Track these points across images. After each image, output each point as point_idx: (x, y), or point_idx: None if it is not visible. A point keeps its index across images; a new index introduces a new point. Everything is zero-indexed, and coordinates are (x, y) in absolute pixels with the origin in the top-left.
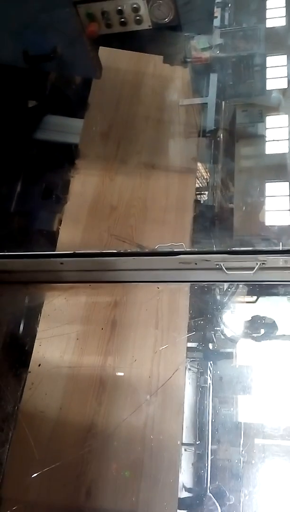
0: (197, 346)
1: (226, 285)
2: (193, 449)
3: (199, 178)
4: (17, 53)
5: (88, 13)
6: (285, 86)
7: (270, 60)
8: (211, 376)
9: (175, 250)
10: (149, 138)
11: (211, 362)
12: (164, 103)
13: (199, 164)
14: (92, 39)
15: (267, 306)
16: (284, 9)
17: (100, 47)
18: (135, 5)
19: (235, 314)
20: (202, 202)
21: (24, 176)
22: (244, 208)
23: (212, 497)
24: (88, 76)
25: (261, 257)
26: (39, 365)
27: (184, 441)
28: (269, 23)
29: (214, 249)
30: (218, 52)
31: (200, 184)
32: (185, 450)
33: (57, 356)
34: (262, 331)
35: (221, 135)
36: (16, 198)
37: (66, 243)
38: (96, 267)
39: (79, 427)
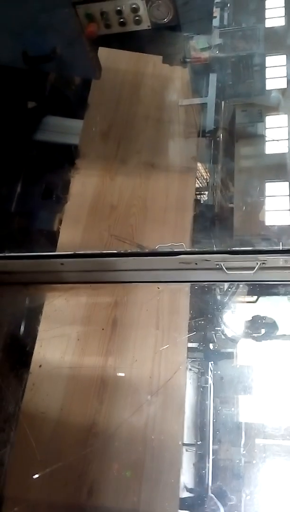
0: (198, 346)
1: (226, 285)
2: (194, 449)
3: (199, 178)
4: (16, 53)
5: (87, 14)
6: (285, 86)
7: (270, 60)
8: (212, 376)
9: (175, 250)
10: (149, 138)
11: (212, 362)
12: (164, 103)
13: (199, 164)
14: (91, 39)
15: (267, 306)
16: (283, 9)
17: (100, 48)
18: (134, 6)
19: (236, 314)
20: (202, 202)
21: (24, 177)
22: (244, 208)
23: (214, 497)
24: (88, 76)
25: (261, 257)
26: (40, 366)
27: (185, 441)
28: (268, 23)
29: (214, 249)
30: (217, 52)
31: (200, 184)
32: (186, 450)
33: (58, 356)
34: (263, 331)
35: (221, 135)
36: (17, 199)
37: (67, 244)
38: (96, 267)
39: (80, 427)
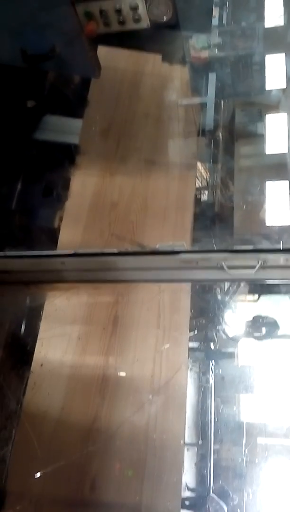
0: (199, 345)
1: (227, 284)
2: (196, 449)
3: (199, 178)
4: (15, 52)
5: (86, 12)
6: (284, 85)
7: (269, 59)
8: (213, 376)
9: (176, 249)
10: (149, 136)
11: (213, 361)
12: (163, 102)
13: (199, 164)
14: (90, 38)
15: (268, 305)
16: (282, 7)
17: (99, 46)
18: (133, 4)
19: (237, 313)
20: (202, 201)
21: (25, 175)
22: (244, 207)
23: (215, 497)
24: (87, 75)
25: (262, 255)
26: (41, 365)
27: (187, 441)
28: (268, 22)
29: (215, 248)
30: (216, 51)
31: (200, 184)
32: (187, 449)
33: (59, 356)
34: (264, 330)
35: (221, 134)
36: (17, 197)
37: (67, 243)
38: (97, 266)
39: (82, 427)
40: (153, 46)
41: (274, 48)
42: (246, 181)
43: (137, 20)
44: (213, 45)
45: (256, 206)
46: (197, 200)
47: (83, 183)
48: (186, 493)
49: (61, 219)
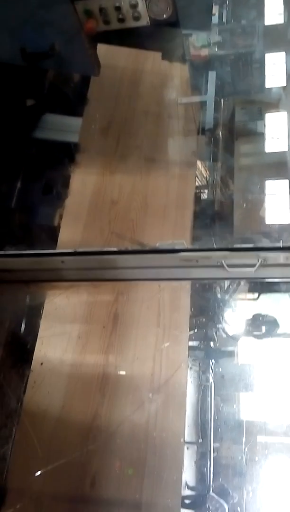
0: (199, 344)
1: (227, 282)
2: (196, 447)
3: (199, 176)
4: (14, 50)
5: (85, 10)
6: (284, 83)
7: (269, 57)
8: (213, 375)
9: (176, 247)
10: (148, 136)
11: (213, 360)
12: (163, 100)
13: (198, 162)
14: (90, 36)
15: (268, 303)
16: (282, 5)
17: (98, 44)
18: (133, 2)
19: (237, 311)
20: (202, 199)
21: (25, 173)
22: (244, 205)
23: (215, 496)
24: (87, 73)
25: (262, 254)
26: (41, 363)
27: (187, 439)
28: (268, 20)
29: (215, 246)
30: (216, 49)
31: (200, 182)
32: (187, 448)
33: (59, 354)
34: (264, 329)
35: (221, 132)
36: (17, 195)
37: (67, 241)
38: (97, 265)
39: (82, 425)
40: (153, 44)
41: (274, 46)
42: (246, 180)
43: (137, 17)
44: (213, 43)
45: (256, 204)
46: (197, 199)
47: (83, 182)
48: (186, 492)
49: (61, 217)
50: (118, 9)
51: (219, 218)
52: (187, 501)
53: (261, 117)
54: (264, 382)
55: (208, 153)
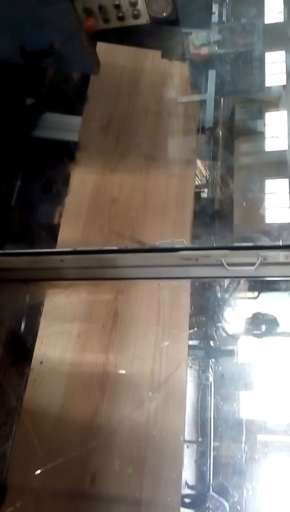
0: (199, 343)
1: (227, 281)
2: (196, 446)
3: (199, 175)
4: (14, 49)
5: (85, 8)
6: (284, 81)
7: (269, 56)
8: (212, 374)
9: (175, 246)
10: (148, 134)
11: (213, 359)
12: (163, 98)
13: (198, 161)
14: (89, 34)
15: (268, 302)
16: (282, 4)
17: (98, 43)
18: (132, 0)
19: (236, 310)
20: (202, 198)
21: (24, 172)
22: (244, 204)
23: (215, 495)
24: (86, 72)
25: (262, 252)
26: (41, 362)
27: (186, 438)
28: (268, 18)
29: (215, 245)
30: (216, 47)
31: (199, 181)
32: (187, 447)
33: (58, 353)
34: (263, 327)
35: (220, 131)
36: (17, 193)
37: (67, 240)
38: (96, 264)
39: (82, 424)
40: (153, 42)
41: (274, 44)
42: (246, 178)
43: (137, 16)
44: (213, 41)
45: (256, 203)
46: (197, 197)
47: (82, 180)
48: (186, 491)
49: (60, 215)
50: (117, 7)
51: (219, 217)
52: (187, 500)
53: (261, 116)
54: (264, 380)
55: (208, 152)
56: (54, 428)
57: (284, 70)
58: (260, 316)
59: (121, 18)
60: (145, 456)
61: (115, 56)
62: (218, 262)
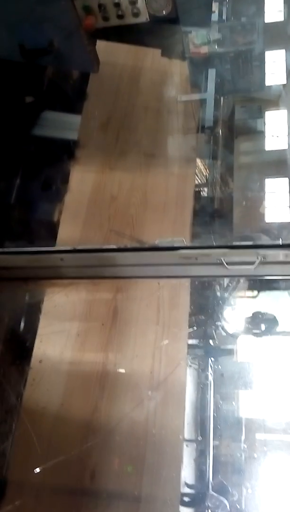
0: (198, 342)
1: (226, 280)
2: (195, 445)
3: (199, 174)
4: (13, 46)
5: (84, 6)
6: (284, 81)
7: (269, 55)
8: (212, 373)
9: (175, 245)
10: (148, 133)
11: (212, 358)
12: (162, 97)
13: (198, 160)
14: (89, 32)
15: (268, 301)
16: (282, 2)
17: (98, 41)
18: None
19: (236, 309)
20: (201, 197)
21: (24, 170)
22: (244, 203)
23: (215, 494)
24: (86, 70)
25: (261, 251)
26: (40, 361)
27: (186, 437)
28: (268, 17)
29: (214, 244)
30: (216, 46)
31: (199, 180)
32: (186, 446)
33: (58, 352)
34: (263, 326)
35: (220, 130)
36: (16, 191)
37: (66, 239)
38: (96, 262)
39: (81, 422)
40: (152, 40)
41: (274, 43)
42: (245, 178)
43: (136, 14)
44: (212, 40)
45: (256, 202)
46: (197, 196)
47: (82, 178)
48: (185, 489)
49: (60, 213)
50: (117, 5)
51: (218, 216)
52: (186, 499)
53: (261, 115)
54: (264, 380)
55: (208, 151)
56: (53, 426)
57: (284, 69)
58: (260, 315)
59: (120, 16)
60: (145, 454)
61: (114, 54)
62: (218, 261)
